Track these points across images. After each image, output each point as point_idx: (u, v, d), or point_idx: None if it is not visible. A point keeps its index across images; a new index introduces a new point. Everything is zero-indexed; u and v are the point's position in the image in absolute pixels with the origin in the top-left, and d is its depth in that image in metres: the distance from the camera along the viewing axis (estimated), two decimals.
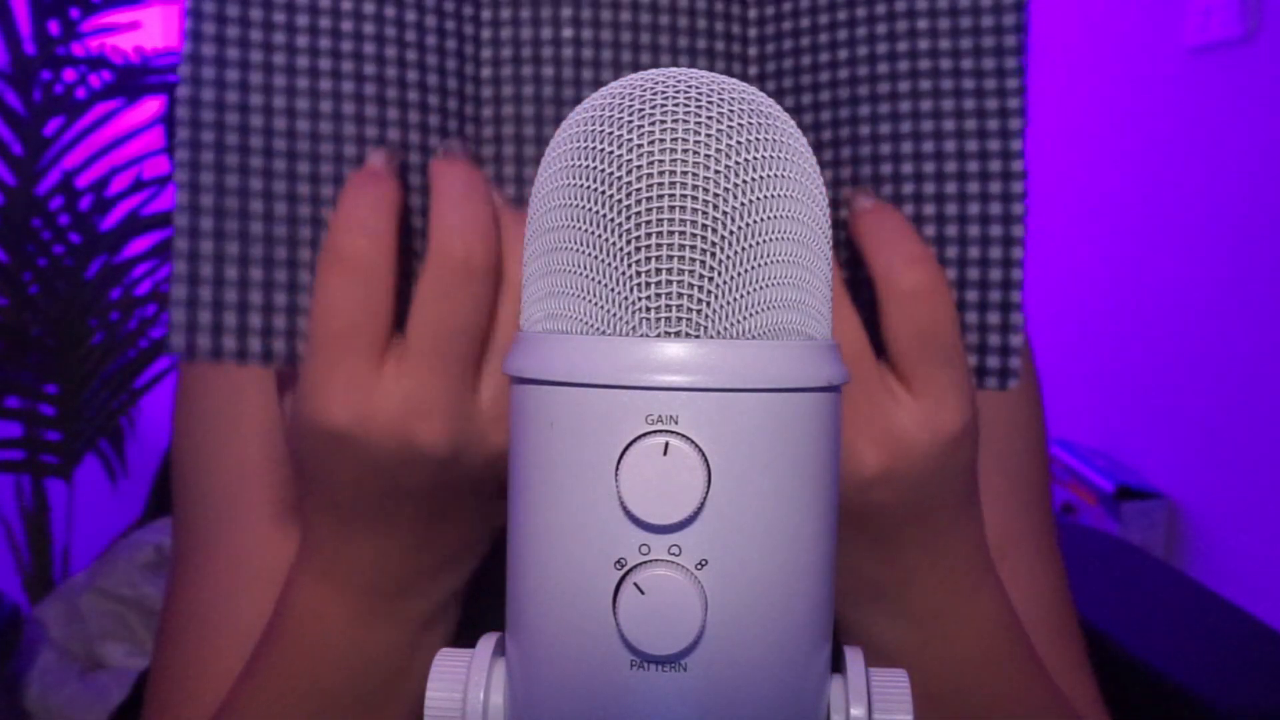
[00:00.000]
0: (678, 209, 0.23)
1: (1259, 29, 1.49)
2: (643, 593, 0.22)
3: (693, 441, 0.22)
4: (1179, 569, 0.88)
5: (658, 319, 0.23)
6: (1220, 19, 1.54)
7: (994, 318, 0.36)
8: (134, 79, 1.54)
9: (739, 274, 0.23)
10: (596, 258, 0.23)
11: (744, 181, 0.23)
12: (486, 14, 0.39)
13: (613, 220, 0.23)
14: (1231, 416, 1.56)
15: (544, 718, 0.24)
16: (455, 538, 0.36)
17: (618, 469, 0.22)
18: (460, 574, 0.38)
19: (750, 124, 0.24)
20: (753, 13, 0.40)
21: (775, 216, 0.24)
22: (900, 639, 0.37)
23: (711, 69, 0.38)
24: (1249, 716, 0.61)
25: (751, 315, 0.23)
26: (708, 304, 0.23)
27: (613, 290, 0.23)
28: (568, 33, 0.39)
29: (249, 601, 0.47)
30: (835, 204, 0.39)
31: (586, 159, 0.24)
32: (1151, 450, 1.74)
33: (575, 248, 0.24)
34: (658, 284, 0.23)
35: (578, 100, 0.36)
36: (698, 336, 0.23)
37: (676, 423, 0.22)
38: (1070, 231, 1.90)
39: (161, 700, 0.48)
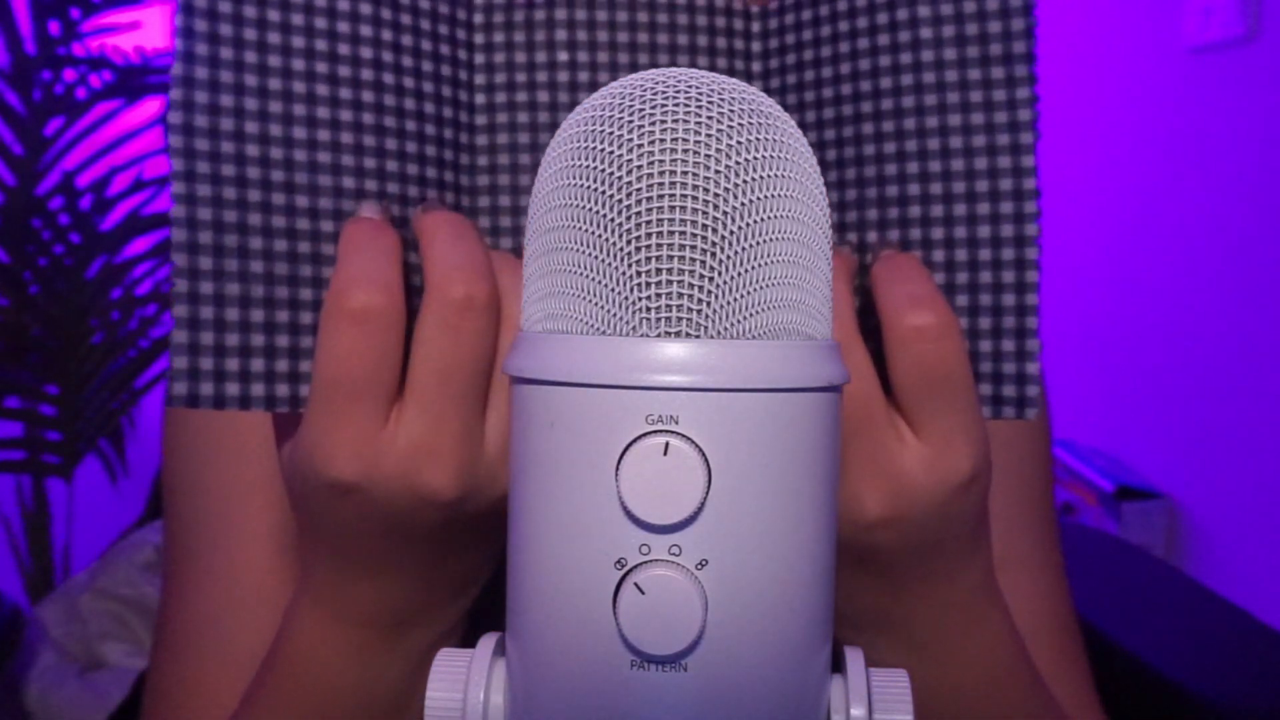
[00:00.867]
0: (678, 209, 0.23)
1: (1259, 29, 1.49)
2: (643, 593, 0.22)
3: (693, 442, 0.22)
4: (1179, 569, 0.88)
5: (658, 319, 0.23)
6: (1220, 19, 1.54)
7: (1009, 344, 0.35)
8: (134, 79, 1.54)
9: (739, 274, 0.23)
10: (596, 258, 0.23)
11: (744, 181, 0.23)
12: (480, 58, 0.38)
13: (613, 220, 0.23)
14: (1231, 416, 1.56)
15: (544, 718, 0.24)
16: (459, 572, 0.36)
17: (618, 469, 0.22)
18: (463, 603, 0.38)
19: (750, 124, 0.24)
20: (756, 26, 0.39)
21: (775, 216, 0.24)
22: (902, 664, 0.37)
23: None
24: (1249, 716, 0.61)
25: (752, 315, 0.23)
26: (708, 304, 0.23)
27: (613, 290, 0.23)
28: (563, 56, 0.38)
29: (243, 622, 0.46)
30: (841, 228, 0.38)
31: (586, 159, 0.24)
32: (1151, 450, 1.74)
33: (575, 248, 0.24)
34: (658, 284, 0.23)
35: None
36: (698, 336, 0.23)
37: (677, 423, 0.22)
38: (1070, 231, 1.90)
39: None
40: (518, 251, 0.38)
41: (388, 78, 0.35)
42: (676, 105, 0.23)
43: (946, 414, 0.33)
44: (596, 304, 0.23)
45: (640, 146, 0.23)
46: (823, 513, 0.24)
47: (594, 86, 0.38)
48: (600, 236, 0.23)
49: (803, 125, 0.39)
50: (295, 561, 0.47)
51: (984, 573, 0.37)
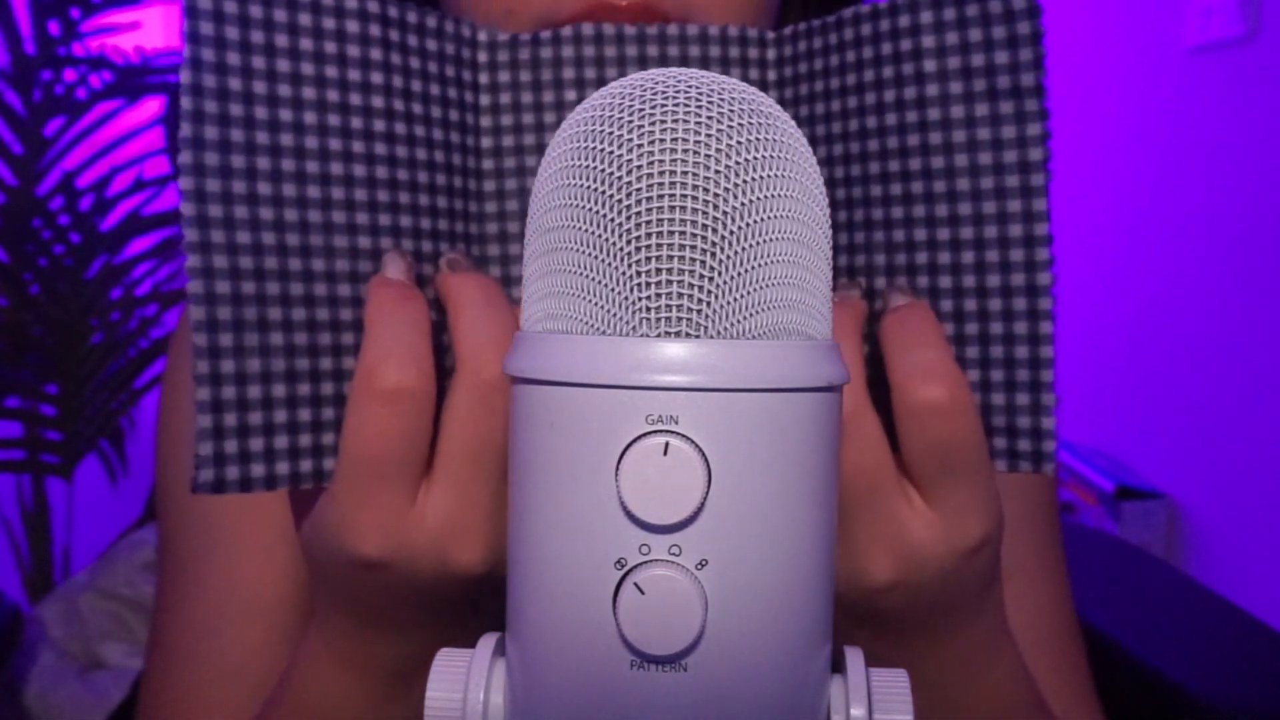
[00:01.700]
0: (678, 209, 0.23)
1: (1259, 29, 1.49)
2: (643, 593, 0.22)
3: (693, 442, 0.22)
4: (1179, 569, 0.88)
5: (658, 319, 0.23)
6: (1220, 19, 1.54)
7: (1023, 398, 0.33)
8: (134, 79, 1.54)
9: (739, 274, 0.23)
10: (596, 257, 0.23)
11: (744, 181, 0.23)
12: (485, 99, 0.37)
13: (613, 220, 0.23)
14: (1231, 416, 1.56)
15: (544, 718, 0.24)
16: (480, 625, 0.36)
17: (618, 469, 0.22)
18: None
19: (750, 124, 0.24)
20: (771, 53, 0.38)
21: (775, 216, 0.24)
22: None
23: None
24: (1249, 716, 0.61)
25: (752, 315, 0.23)
26: (708, 304, 0.23)
27: (613, 290, 0.23)
28: (571, 95, 0.37)
29: (236, 635, 0.46)
30: (850, 271, 0.36)
31: (586, 159, 0.24)
32: (1151, 450, 1.74)
33: (575, 248, 0.24)
34: (658, 284, 0.23)
35: None
36: (698, 336, 0.23)
37: (677, 423, 0.22)
38: (1070, 231, 1.90)
39: None
40: None
41: (399, 127, 0.34)
42: (676, 105, 0.23)
43: (957, 486, 0.32)
44: (596, 304, 0.23)
45: (640, 146, 0.23)
46: (822, 512, 0.24)
47: None
48: (600, 236, 0.23)
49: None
50: (289, 575, 0.47)
51: (993, 622, 0.36)
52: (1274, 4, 1.47)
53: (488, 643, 0.26)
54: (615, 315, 0.23)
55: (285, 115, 0.32)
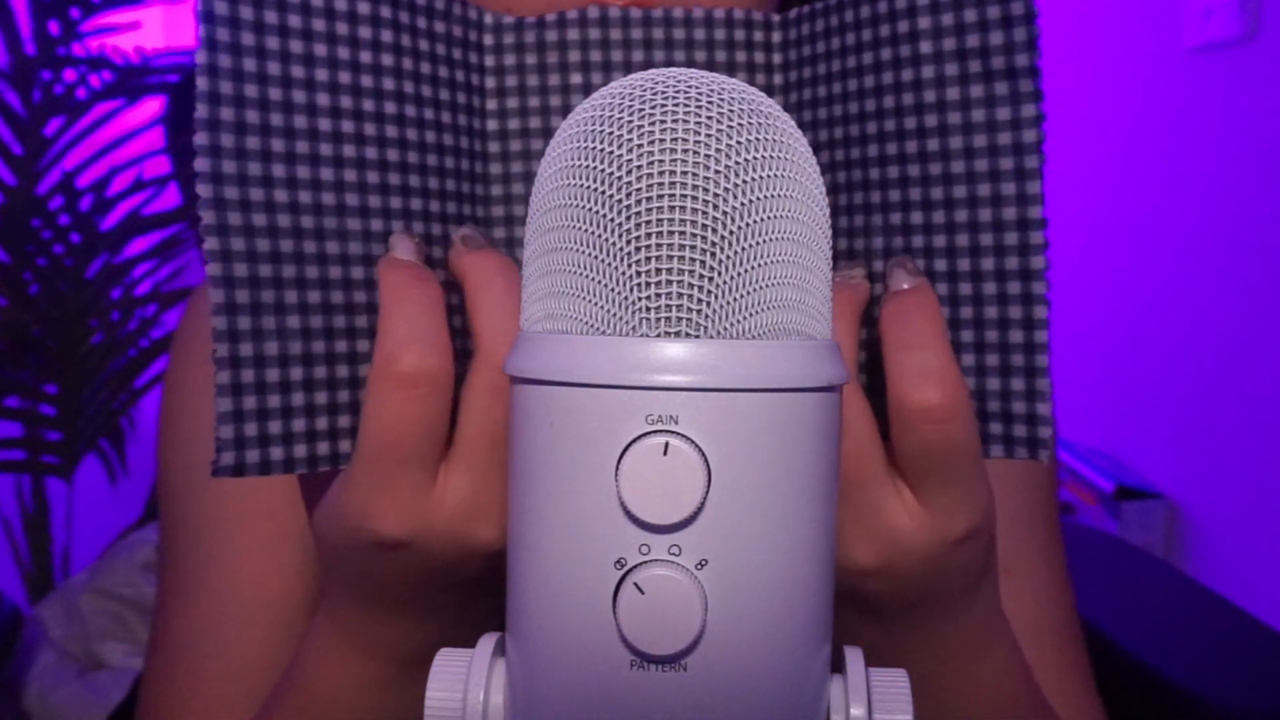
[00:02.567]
0: (678, 209, 0.23)
1: (1259, 29, 1.49)
2: (643, 593, 0.22)
3: (693, 441, 0.22)
4: (1179, 569, 0.88)
5: (658, 319, 0.23)
6: (1220, 19, 1.54)
7: (1018, 384, 0.33)
8: (134, 79, 1.54)
9: (739, 274, 0.23)
10: (596, 257, 0.23)
11: (744, 181, 0.23)
12: (491, 81, 0.37)
13: (612, 220, 0.23)
14: (1231, 416, 1.56)
15: (544, 718, 0.24)
16: (493, 605, 0.36)
17: (618, 469, 0.22)
18: (492, 627, 0.37)
19: (750, 124, 0.24)
20: (777, 36, 0.38)
21: (775, 216, 0.24)
22: None
23: None
24: (1249, 716, 0.61)
25: (751, 315, 0.23)
26: (708, 304, 0.23)
27: (613, 290, 0.23)
28: (576, 79, 0.37)
29: (239, 631, 0.46)
30: (850, 255, 0.36)
31: (586, 159, 0.24)
32: (1151, 450, 1.74)
33: (575, 248, 0.24)
34: (658, 284, 0.23)
35: None
36: (698, 336, 0.23)
37: (676, 423, 0.22)
38: (1070, 231, 1.90)
39: None
40: None
41: (409, 109, 0.34)
42: (676, 105, 0.23)
43: (946, 485, 0.32)
44: (596, 304, 0.23)
45: (640, 146, 0.23)
46: (822, 513, 0.24)
47: None
48: (600, 236, 0.23)
49: (815, 144, 0.37)
50: (291, 572, 0.47)
51: (985, 612, 0.36)
52: (1274, 4, 1.47)
53: (488, 643, 0.26)
54: (615, 315, 0.23)
55: (299, 97, 0.32)
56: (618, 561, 0.22)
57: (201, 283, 0.55)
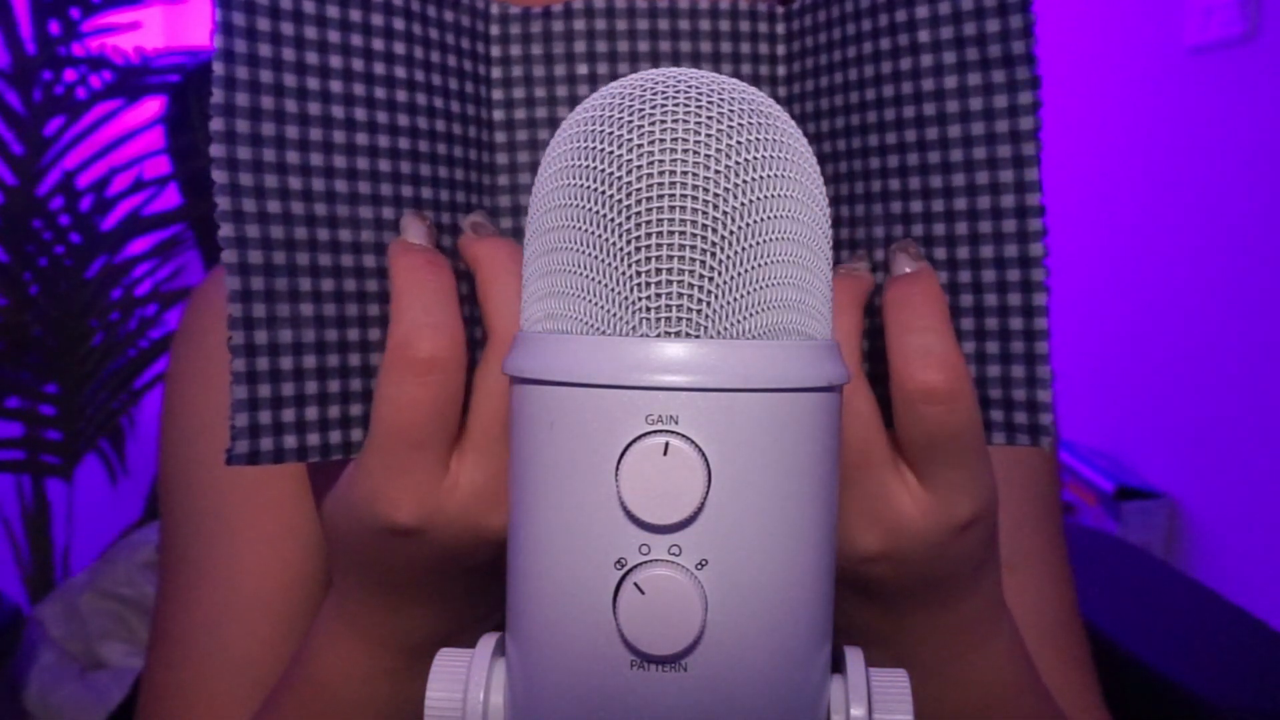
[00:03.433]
0: (678, 209, 0.23)
1: (1259, 29, 1.49)
2: (643, 593, 0.22)
3: (693, 441, 0.22)
4: (1179, 569, 0.88)
5: (658, 319, 0.23)
6: (1220, 19, 1.54)
7: (1018, 371, 0.33)
8: (134, 79, 1.54)
9: (739, 274, 0.23)
10: (596, 257, 0.23)
11: (744, 181, 0.23)
12: (497, 72, 0.37)
13: (613, 220, 0.23)
14: (1231, 416, 1.56)
15: (544, 718, 0.24)
16: (499, 594, 0.36)
17: (618, 469, 0.22)
18: (499, 617, 0.37)
19: (750, 124, 0.24)
20: (780, 27, 0.38)
21: (775, 216, 0.24)
22: None
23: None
24: (1249, 716, 0.61)
25: (751, 315, 0.23)
26: (708, 304, 0.23)
27: (613, 290, 0.23)
28: (582, 69, 0.37)
29: (241, 627, 0.46)
30: (851, 245, 0.37)
31: (586, 159, 0.24)
32: (1151, 450, 1.74)
33: (575, 247, 0.24)
34: (658, 284, 0.23)
35: None
36: (698, 336, 0.23)
37: (676, 423, 0.22)
38: (1070, 231, 1.90)
39: None
40: None
41: (420, 98, 0.34)
42: (676, 105, 0.23)
43: (949, 468, 0.32)
44: (596, 304, 0.23)
45: (640, 146, 0.23)
46: (823, 513, 0.24)
47: None
48: (600, 236, 0.23)
49: (817, 134, 0.37)
50: (294, 569, 0.47)
51: (988, 599, 0.36)
52: (1274, 4, 1.47)
53: (488, 643, 0.26)
54: (615, 315, 0.23)
55: (313, 84, 0.32)
56: (618, 561, 0.22)
57: (202, 281, 0.54)
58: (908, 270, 0.33)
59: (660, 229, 0.23)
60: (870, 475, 0.32)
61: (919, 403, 0.31)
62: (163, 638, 0.49)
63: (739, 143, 0.23)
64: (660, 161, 0.23)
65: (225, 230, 0.30)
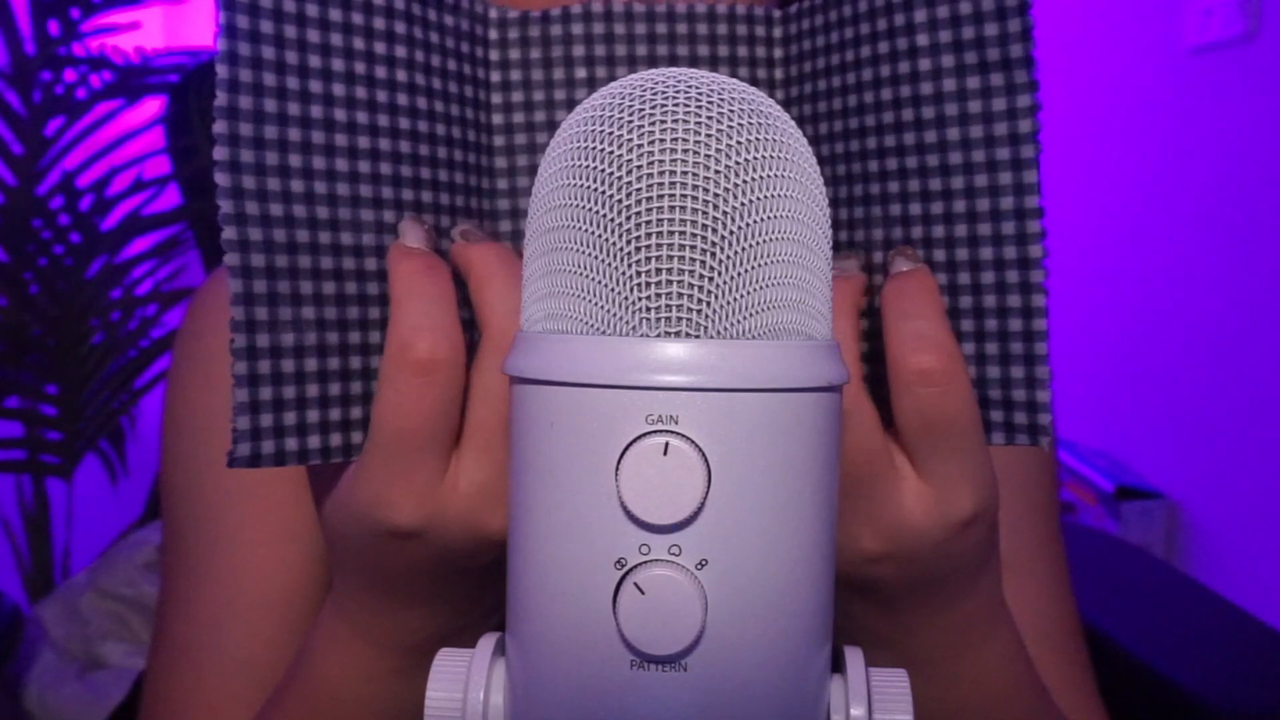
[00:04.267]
0: (678, 209, 0.23)
1: (1259, 29, 1.49)
2: (643, 593, 0.22)
3: (693, 441, 0.22)
4: (1179, 569, 0.88)
5: (658, 319, 0.23)
6: (1220, 19, 1.54)
7: (1018, 371, 0.33)
8: (134, 79, 1.54)
9: (739, 274, 0.23)
10: (596, 257, 0.23)
11: (744, 181, 0.23)
12: (496, 76, 0.37)
13: (613, 220, 0.23)
14: (1231, 416, 1.56)
15: (544, 718, 0.24)
16: (500, 594, 0.36)
17: (618, 469, 0.22)
18: (499, 617, 0.37)
19: (750, 124, 0.24)
20: (778, 31, 0.38)
21: (775, 216, 0.24)
22: None
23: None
24: (1249, 716, 0.61)
25: (752, 315, 0.23)
26: (708, 304, 0.23)
27: (613, 290, 0.23)
28: (581, 73, 0.37)
29: (243, 629, 0.46)
30: (850, 246, 0.37)
31: (586, 159, 0.24)
32: (1151, 450, 1.74)
33: (575, 247, 0.24)
34: (658, 284, 0.23)
35: None
36: (698, 336, 0.23)
37: (676, 423, 0.22)
38: (1070, 231, 1.90)
39: None
40: None
41: (421, 102, 0.34)
42: (676, 105, 0.23)
43: (948, 458, 0.32)
44: (596, 304, 0.23)
45: (640, 146, 0.23)
46: (823, 513, 0.24)
47: None
48: (600, 236, 0.23)
49: (815, 138, 0.38)
50: (296, 571, 0.47)
51: (989, 597, 0.36)
52: (1274, 4, 1.47)
53: (488, 643, 0.26)
54: (615, 315, 0.23)
55: (315, 86, 0.32)
56: (618, 561, 0.22)
57: (204, 282, 0.54)
58: (905, 269, 0.34)
59: (660, 229, 0.23)
60: (870, 475, 0.32)
61: (915, 386, 0.31)
62: (165, 639, 0.49)
63: (739, 143, 0.23)
64: (660, 161, 0.23)
65: (228, 233, 0.30)
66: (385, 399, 0.31)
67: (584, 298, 0.24)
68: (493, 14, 0.37)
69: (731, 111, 0.24)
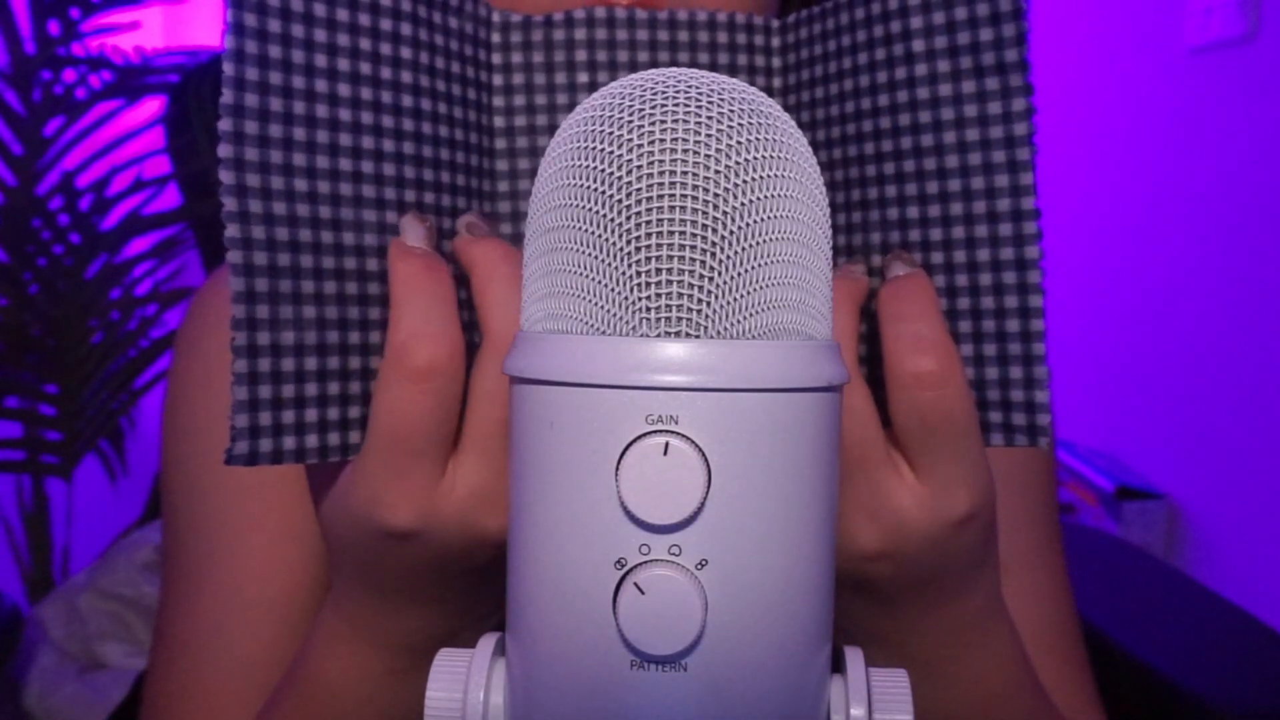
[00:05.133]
0: (678, 209, 0.23)
1: (1259, 29, 1.49)
2: (643, 593, 0.22)
3: (693, 441, 0.22)
4: (1179, 569, 0.88)
5: (658, 319, 0.23)
6: (1220, 19, 1.54)
7: (1016, 372, 0.33)
8: (134, 79, 1.54)
9: (739, 274, 0.23)
10: (597, 257, 0.23)
11: (744, 181, 0.23)
12: (498, 79, 0.37)
13: (613, 220, 0.23)
14: (1231, 416, 1.56)
15: (544, 718, 0.24)
16: (500, 592, 0.36)
17: (618, 469, 0.22)
18: (498, 618, 0.37)
19: (750, 124, 0.24)
20: (776, 40, 0.39)
21: (775, 216, 0.24)
22: None
23: None
24: (1249, 716, 0.61)
25: (752, 315, 0.23)
26: (708, 304, 0.23)
27: (613, 290, 0.23)
28: (583, 78, 0.37)
29: (244, 629, 0.46)
30: (849, 251, 0.37)
31: (586, 159, 0.24)
32: (1151, 450, 1.74)
33: (575, 248, 0.24)
34: (658, 284, 0.23)
35: None
36: (698, 336, 0.23)
37: (676, 423, 0.22)
38: (1071, 231, 1.90)
39: None
40: None
41: (425, 103, 0.34)
42: (676, 105, 0.23)
43: (945, 459, 0.32)
44: (596, 304, 0.23)
45: (640, 146, 0.23)
46: (823, 513, 0.24)
47: None
48: (600, 236, 0.23)
49: (814, 144, 0.38)
50: (297, 571, 0.47)
51: (987, 596, 0.36)
52: (1274, 4, 1.47)
53: (488, 643, 0.26)
54: (615, 315, 0.23)
55: (321, 86, 0.32)
56: (618, 561, 0.22)
57: (204, 282, 0.55)
58: (902, 273, 0.34)
59: (660, 229, 0.23)
60: (868, 473, 0.32)
61: (912, 388, 0.31)
62: (165, 639, 0.49)
63: (739, 143, 0.23)
64: (660, 161, 0.23)
65: (231, 231, 0.30)
66: (383, 403, 0.31)
67: (584, 298, 0.24)
68: (495, 17, 0.37)
69: (732, 111, 0.24)
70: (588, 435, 0.23)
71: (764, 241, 0.23)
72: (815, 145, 0.38)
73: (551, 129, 0.37)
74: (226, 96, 0.30)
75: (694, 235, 0.23)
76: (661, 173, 0.23)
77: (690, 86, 0.24)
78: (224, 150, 0.30)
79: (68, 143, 1.53)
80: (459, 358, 0.31)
